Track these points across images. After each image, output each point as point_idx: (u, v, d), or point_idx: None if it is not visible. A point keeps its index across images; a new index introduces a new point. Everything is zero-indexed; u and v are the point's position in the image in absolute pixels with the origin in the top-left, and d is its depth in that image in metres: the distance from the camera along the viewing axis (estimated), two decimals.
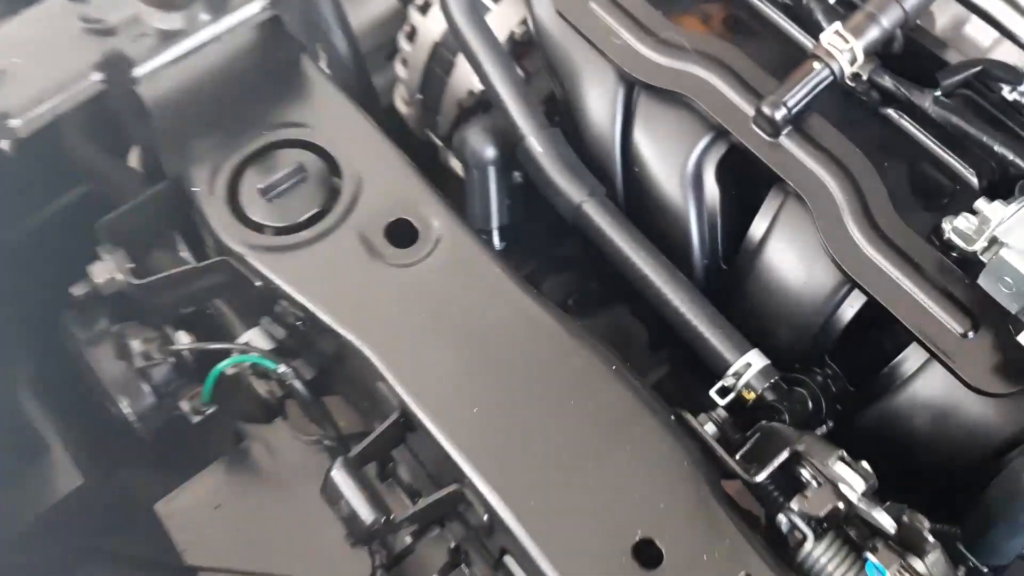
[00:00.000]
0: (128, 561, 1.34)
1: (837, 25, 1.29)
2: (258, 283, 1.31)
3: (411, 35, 1.82)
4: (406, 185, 1.34)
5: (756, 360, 1.27)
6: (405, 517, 1.12)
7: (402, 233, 1.31)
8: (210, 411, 1.33)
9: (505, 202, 1.59)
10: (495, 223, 1.58)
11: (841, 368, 1.28)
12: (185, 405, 1.32)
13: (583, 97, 1.53)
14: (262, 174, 1.37)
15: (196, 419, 1.32)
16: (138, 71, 1.35)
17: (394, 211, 1.32)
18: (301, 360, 1.39)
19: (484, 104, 1.70)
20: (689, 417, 1.13)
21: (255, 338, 1.42)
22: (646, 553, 1.05)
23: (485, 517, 1.10)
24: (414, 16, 1.80)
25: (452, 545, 1.24)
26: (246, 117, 1.42)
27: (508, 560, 1.17)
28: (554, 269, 1.70)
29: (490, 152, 1.58)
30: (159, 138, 1.42)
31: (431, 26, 1.79)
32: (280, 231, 1.33)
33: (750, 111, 1.31)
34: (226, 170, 1.38)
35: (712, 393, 1.26)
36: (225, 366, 1.31)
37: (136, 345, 1.29)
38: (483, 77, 1.52)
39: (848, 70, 1.27)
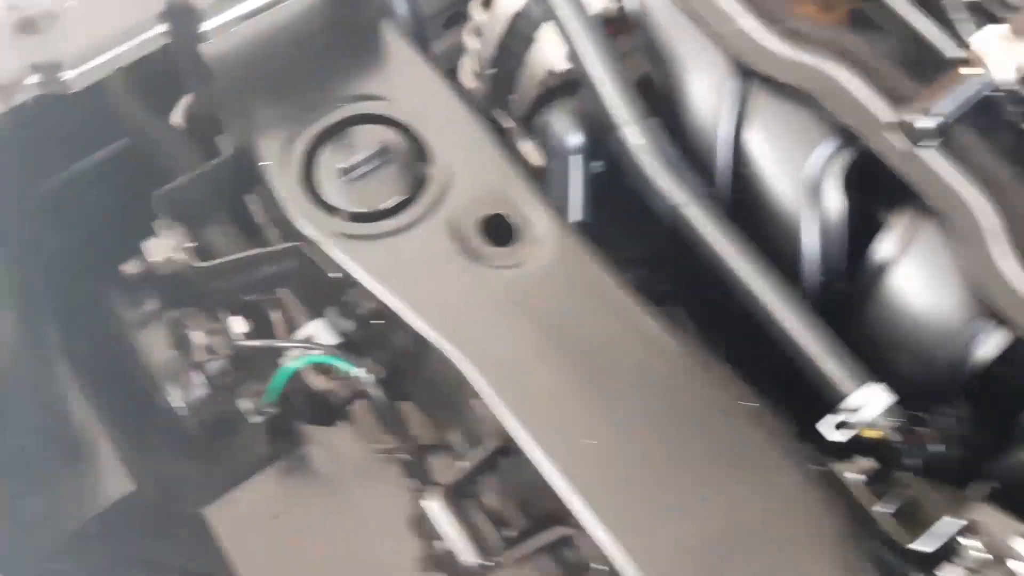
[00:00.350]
0: (175, 572, 1.21)
1: (996, 28, 1.15)
2: (333, 275, 1.17)
3: (487, 2, 1.67)
4: (503, 175, 1.21)
5: (880, 395, 1.14)
6: (510, 561, 0.99)
7: (498, 230, 1.17)
8: (272, 412, 1.19)
9: (587, 195, 1.46)
10: (574, 217, 1.44)
11: (976, 409, 1.16)
12: (245, 404, 1.18)
13: (688, 86, 1.39)
14: (341, 152, 1.23)
15: (256, 420, 1.18)
16: (206, 25, 1.19)
17: (490, 204, 1.19)
18: (370, 359, 1.25)
19: (570, 85, 1.56)
20: (838, 470, 1.00)
21: (319, 330, 1.29)
22: None
23: (595, 563, 0.97)
24: None
25: None
26: (321, 86, 1.28)
27: None
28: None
29: (575, 139, 1.45)
30: (222, 102, 1.27)
31: None
32: (360, 218, 1.19)
33: (888, 117, 1.18)
34: (300, 145, 1.24)
35: (825, 427, 1.14)
36: (298, 366, 1.17)
37: (198, 337, 1.15)
38: (577, 56, 1.38)
39: (1009, 78, 1.14)
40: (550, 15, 1.41)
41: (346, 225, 1.19)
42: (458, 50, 1.72)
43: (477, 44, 1.70)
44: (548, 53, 1.57)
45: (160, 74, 1.35)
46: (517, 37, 1.64)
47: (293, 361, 1.18)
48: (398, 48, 1.31)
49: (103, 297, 1.30)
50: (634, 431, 1.04)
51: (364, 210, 1.20)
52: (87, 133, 1.43)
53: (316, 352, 1.18)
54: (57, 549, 1.06)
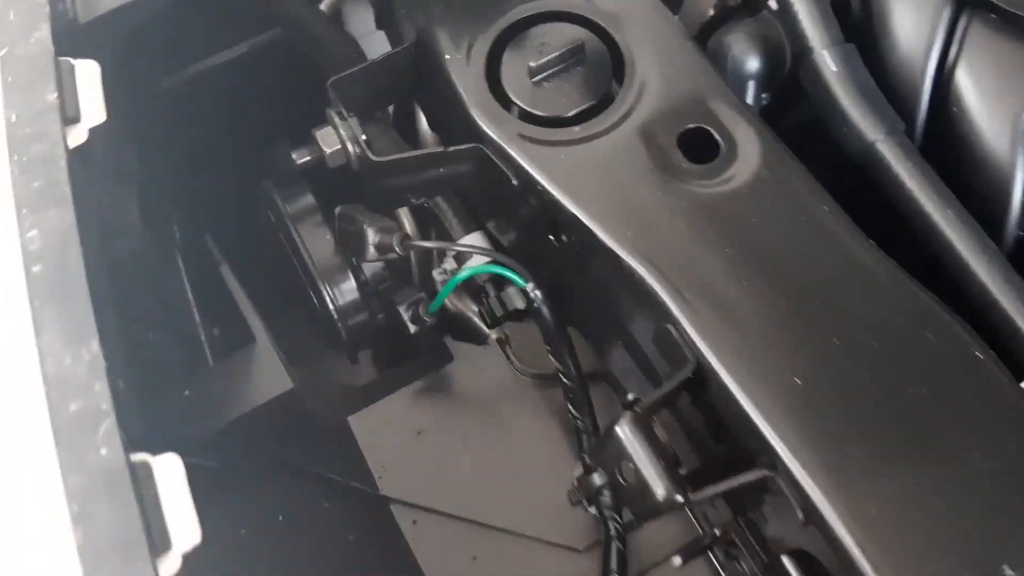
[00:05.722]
0: (320, 481, 1.14)
1: None
2: (516, 181, 1.08)
3: None
4: (704, 85, 1.10)
5: None
6: (702, 498, 0.90)
7: (699, 144, 1.07)
8: (430, 323, 1.11)
9: None
10: None
11: None
12: (404, 312, 1.10)
13: (891, 11, 1.27)
14: (530, 51, 1.13)
15: (414, 329, 1.10)
16: None
17: (689, 116, 1.09)
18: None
19: (748, 5, 1.45)
20: None
21: (477, 242, 1.20)
22: None
23: (800, 515, 0.88)
24: None
25: (713, 530, 1.02)
26: None
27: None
28: None
29: (754, 63, 1.34)
30: None
31: None
32: (548, 122, 1.10)
33: None
34: (485, 39, 1.14)
35: None
36: (471, 274, 1.08)
37: (374, 235, 1.06)
38: None
39: None
40: None
41: (533, 128, 1.10)
42: None
43: None
44: None
45: None
46: None
47: (463, 270, 1.09)
48: None
49: (254, 189, 1.22)
50: (849, 372, 0.94)
51: (553, 114, 1.10)
52: (233, 21, 1.35)
53: (487, 262, 1.08)
54: (203, 443, 0.99)
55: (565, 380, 1.12)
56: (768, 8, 1.38)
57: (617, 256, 1.02)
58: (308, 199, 1.17)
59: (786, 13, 1.24)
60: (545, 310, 1.09)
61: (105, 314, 0.82)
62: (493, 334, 1.17)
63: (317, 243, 1.15)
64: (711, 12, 1.46)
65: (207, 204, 1.27)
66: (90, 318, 0.78)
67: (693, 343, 0.96)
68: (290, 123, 1.23)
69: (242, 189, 1.27)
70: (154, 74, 1.24)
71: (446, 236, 1.25)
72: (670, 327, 0.99)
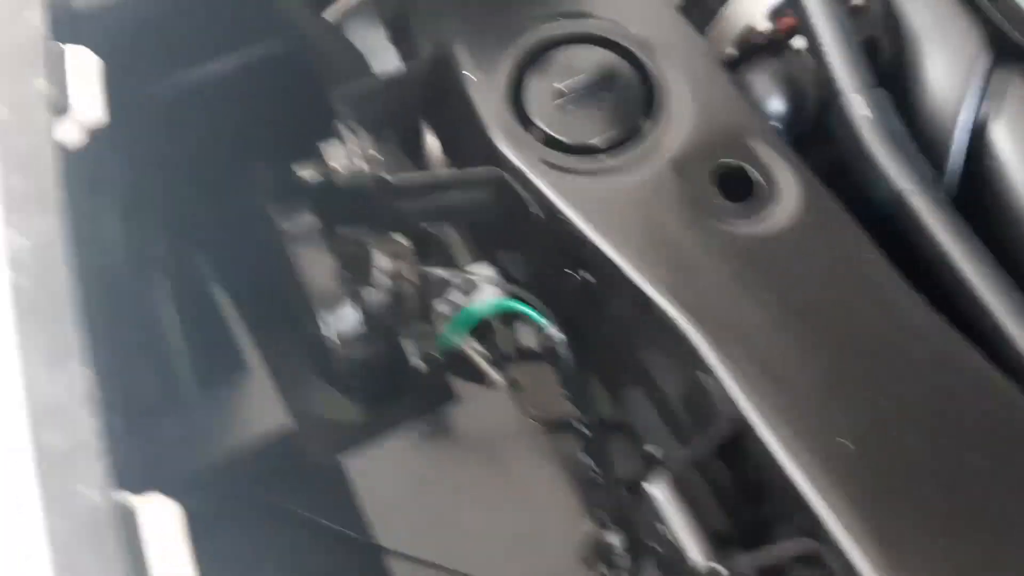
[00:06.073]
0: (311, 526, 1.04)
1: None
2: (536, 209, 1.00)
3: None
4: (742, 120, 1.04)
5: None
6: (742, 570, 0.82)
7: (735, 182, 1.01)
8: (438, 360, 1.02)
9: None
10: None
11: None
12: (410, 346, 1.01)
13: (924, 57, 1.22)
14: (556, 73, 1.06)
15: (421, 365, 1.02)
16: None
17: (726, 151, 1.02)
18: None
19: (772, 45, 1.40)
20: None
21: (483, 274, 1.12)
22: None
23: None
24: None
25: None
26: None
27: None
28: None
29: (778, 104, 1.28)
30: (415, 2, 1.10)
31: None
32: (574, 149, 1.02)
33: None
34: (509, 59, 1.07)
35: None
36: (490, 311, 1.00)
37: (382, 259, 0.98)
38: (800, 9, 1.21)
39: None
40: None
41: (557, 155, 1.03)
42: None
43: None
44: (749, 6, 1.41)
45: None
46: None
47: (480, 304, 1.01)
48: None
49: (249, 205, 1.13)
50: (902, 436, 0.87)
51: (580, 141, 1.03)
52: (233, 27, 1.26)
53: (506, 296, 1.00)
54: (184, 482, 0.89)
55: (584, 430, 1.04)
56: (790, 48, 1.33)
57: (647, 297, 0.95)
58: (307, 217, 1.08)
59: (816, 54, 1.19)
60: (566, 353, 1.01)
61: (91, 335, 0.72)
62: (500, 379, 1.09)
63: (315, 265, 1.06)
64: (733, 50, 1.40)
65: (197, 219, 1.18)
66: (77, 339, 0.68)
67: (731, 397, 0.89)
68: (290, 137, 1.14)
69: (236, 204, 1.18)
70: (145, 78, 1.15)
71: (449, 264, 1.17)
72: (704, 378, 0.91)
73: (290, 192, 1.10)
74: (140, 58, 1.03)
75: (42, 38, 0.84)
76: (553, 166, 1.02)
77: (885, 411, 0.87)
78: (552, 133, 1.04)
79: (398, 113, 1.12)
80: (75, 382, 0.69)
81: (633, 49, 1.08)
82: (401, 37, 1.15)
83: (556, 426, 1.08)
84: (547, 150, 1.03)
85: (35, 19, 0.84)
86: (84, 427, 0.66)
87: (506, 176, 1.02)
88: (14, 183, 0.74)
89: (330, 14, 1.32)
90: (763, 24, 1.34)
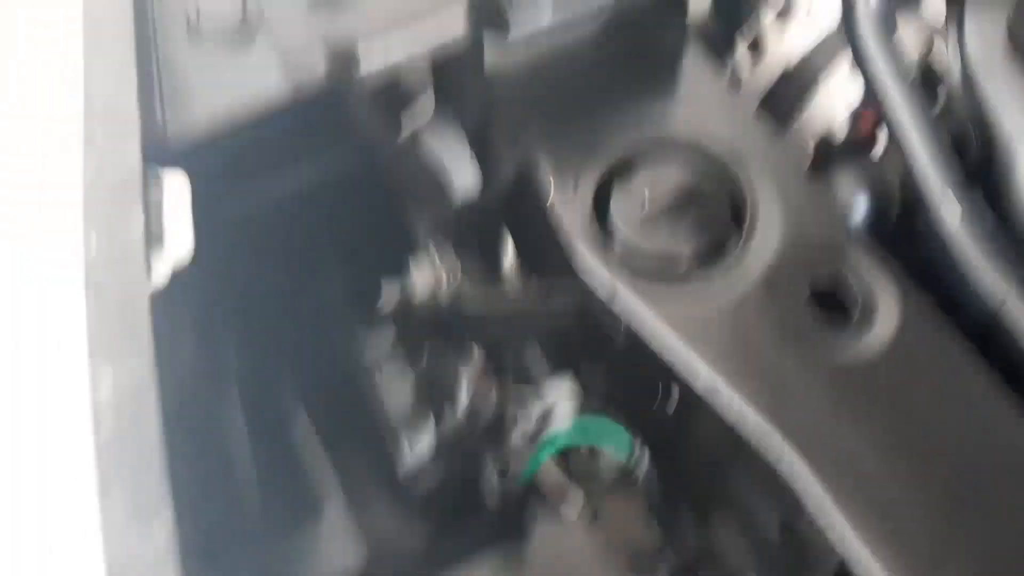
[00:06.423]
0: None
1: None
2: (622, 325, 0.96)
3: (755, 44, 1.48)
4: (839, 236, 0.99)
5: None
6: None
7: (832, 299, 0.96)
8: (517, 489, 0.98)
9: None
10: None
11: None
12: (492, 474, 0.97)
13: (1017, 153, 1.18)
14: (641, 188, 1.03)
15: (499, 494, 0.97)
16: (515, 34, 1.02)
17: (822, 269, 0.97)
18: None
19: (852, 148, 1.36)
20: None
21: (563, 391, 1.08)
22: None
23: None
24: (768, 21, 1.46)
25: None
26: (616, 110, 1.09)
27: None
28: None
29: (862, 208, 1.25)
30: (500, 120, 1.08)
31: (789, 40, 1.44)
32: (661, 262, 0.99)
33: None
34: (591, 175, 1.04)
35: None
36: (577, 442, 0.96)
37: (471, 384, 0.94)
38: (890, 115, 1.17)
39: None
40: (837, 64, 1.20)
41: (643, 272, 0.99)
42: None
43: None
44: (828, 109, 1.38)
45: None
46: (794, 84, 1.45)
47: (561, 429, 0.97)
48: (705, 75, 1.12)
49: (327, 323, 1.10)
50: (1020, 572, 0.81)
51: (666, 255, 0.99)
52: (310, 145, 1.23)
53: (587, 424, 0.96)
54: None
55: (675, 564, 0.99)
56: (872, 150, 1.30)
57: (746, 421, 0.90)
58: (389, 337, 1.05)
59: (903, 153, 1.15)
60: (653, 480, 0.96)
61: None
62: (576, 511, 1.04)
63: (392, 384, 1.02)
64: (811, 154, 1.37)
65: (271, 337, 1.15)
66: (164, 493, 0.65)
67: (843, 537, 0.83)
68: (368, 253, 1.12)
69: (310, 321, 1.15)
70: (224, 199, 1.12)
71: (523, 376, 1.13)
72: (809, 511, 0.86)
73: (368, 307, 1.07)
74: (221, 181, 1.01)
75: (140, 168, 0.83)
76: (639, 284, 0.98)
77: (1004, 547, 0.82)
78: (638, 247, 1.01)
79: (480, 226, 1.10)
80: (158, 537, 0.65)
81: (721, 157, 1.05)
82: (482, 148, 1.13)
83: (639, 564, 1.02)
84: (632, 264, 1.00)
85: (134, 149, 0.83)
86: None
87: (591, 289, 0.98)
88: (105, 325, 0.72)
89: (408, 125, 1.30)
90: (843, 126, 1.31)
